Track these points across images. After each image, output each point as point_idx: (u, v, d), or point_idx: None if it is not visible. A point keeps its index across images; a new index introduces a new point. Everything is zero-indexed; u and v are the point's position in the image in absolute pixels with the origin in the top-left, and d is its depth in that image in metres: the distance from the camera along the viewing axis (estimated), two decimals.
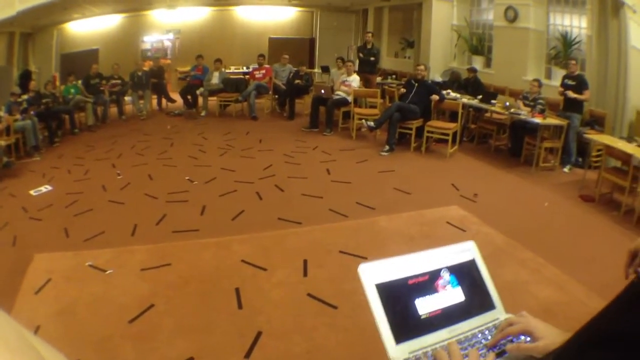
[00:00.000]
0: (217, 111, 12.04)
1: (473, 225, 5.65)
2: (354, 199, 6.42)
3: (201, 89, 11.97)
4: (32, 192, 6.82)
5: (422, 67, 9.16)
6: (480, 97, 9.07)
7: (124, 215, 6.06)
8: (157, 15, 15.27)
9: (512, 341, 1.04)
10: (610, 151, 6.51)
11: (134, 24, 14.97)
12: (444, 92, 9.19)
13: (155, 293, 4.31)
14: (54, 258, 4.97)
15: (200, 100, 12.11)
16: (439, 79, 11.69)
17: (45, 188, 6.96)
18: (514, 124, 8.32)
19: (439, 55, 12.97)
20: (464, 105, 8.83)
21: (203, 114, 11.93)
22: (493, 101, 8.73)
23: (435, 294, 1.08)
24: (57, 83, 11.75)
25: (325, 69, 14.14)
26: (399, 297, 1.05)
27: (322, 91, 10.43)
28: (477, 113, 9.65)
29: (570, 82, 7.82)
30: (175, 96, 12.63)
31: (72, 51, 13.72)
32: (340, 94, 10.12)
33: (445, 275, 1.11)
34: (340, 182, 7.14)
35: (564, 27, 9.72)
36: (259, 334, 3.72)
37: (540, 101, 7.93)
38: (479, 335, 1.08)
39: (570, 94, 7.68)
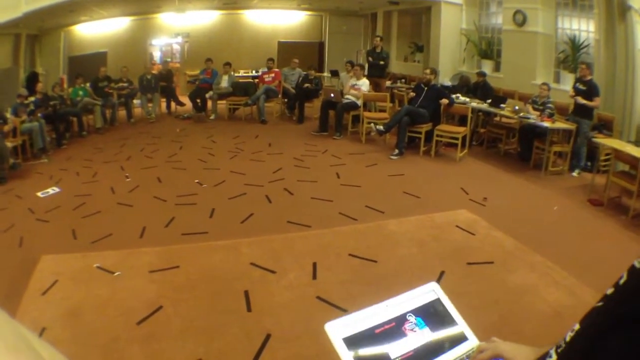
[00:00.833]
0: (226, 115, 12.04)
1: (482, 229, 5.59)
2: (363, 202, 6.37)
3: (210, 93, 11.95)
4: (39, 193, 6.78)
5: (428, 70, 9.14)
6: (489, 101, 9.02)
7: (133, 217, 6.02)
8: (166, 19, 15.30)
9: None
10: (619, 155, 6.47)
11: (143, 27, 15.01)
12: (453, 96, 9.13)
13: (163, 295, 4.25)
14: (61, 259, 4.92)
15: (210, 103, 12.10)
16: (448, 83, 11.61)
17: (52, 190, 6.92)
18: (523, 127, 8.24)
19: (448, 59, 12.90)
20: (473, 110, 8.78)
21: (212, 117, 11.90)
22: (502, 105, 8.66)
23: (404, 338, 1.12)
24: (65, 85, 11.76)
25: (335, 73, 14.10)
26: (369, 346, 1.09)
27: (332, 95, 10.37)
28: (486, 117, 9.60)
29: (581, 87, 7.71)
30: (184, 100, 12.60)
31: (80, 54, 13.74)
32: (349, 97, 10.05)
33: (411, 319, 1.16)
34: (349, 186, 7.08)
35: (572, 30, 9.64)
36: (268, 336, 3.66)
37: (550, 105, 7.88)
38: None
39: (580, 100, 7.59)
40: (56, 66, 12.98)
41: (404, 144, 8.64)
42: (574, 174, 7.62)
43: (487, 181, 7.38)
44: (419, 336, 1.13)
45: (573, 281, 4.41)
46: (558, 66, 10.06)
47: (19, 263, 4.84)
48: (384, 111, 10.12)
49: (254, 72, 14.70)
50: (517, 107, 8.22)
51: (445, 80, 12.02)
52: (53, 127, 9.38)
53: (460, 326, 1.20)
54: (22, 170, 7.81)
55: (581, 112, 7.68)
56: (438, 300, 1.22)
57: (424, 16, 14.20)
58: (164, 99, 12.71)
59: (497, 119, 9.28)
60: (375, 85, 11.02)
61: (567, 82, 8.66)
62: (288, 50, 15.28)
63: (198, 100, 12.07)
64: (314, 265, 4.74)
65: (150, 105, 12.01)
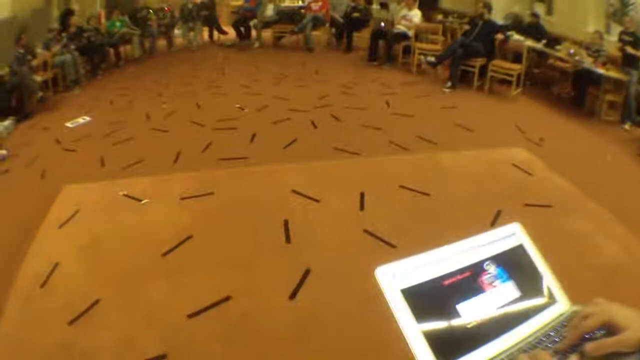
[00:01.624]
0: (272, 43, 11.56)
1: (539, 170, 5.07)
2: (415, 133, 5.88)
3: (255, 21, 11.46)
4: (68, 124, 6.42)
5: (481, 4, 8.69)
6: (544, 42, 8.66)
7: (167, 143, 5.64)
8: None
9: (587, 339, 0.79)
10: None
11: None
12: (508, 33, 8.77)
13: (194, 224, 3.87)
14: (85, 189, 4.58)
15: (254, 32, 11.61)
16: (500, 22, 10.93)
17: (82, 119, 6.55)
18: (577, 72, 7.86)
19: None
20: (528, 49, 8.38)
21: (256, 45, 11.40)
22: (557, 47, 8.36)
23: (482, 294, 0.86)
24: (103, 20, 11.34)
25: (384, 5, 13.36)
26: (434, 303, 0.82)
27: (382, 24, 9.90)
28: (540, 58, 9.24)
29: (627, 38, 7.48)
30: (228, 29, 12.11)
31: None
32: (401, 28, 9.58)
33: (491, 269, 0.89)
34: (400, 115, 6.58)
35: None
36: (307, 272, 3.22)
37: (603, 53, 7.61)
38: (544, 339, 0.83)
39: (629, 50, 7.32)
40: (93, 1, 12.54)
41: (457, 77, 8.25)
42: (626, 126, 7.17)
43: (541, 122, 6.86)
44: (501, 293, 0.86)
45: (627, 235, 3.92)
46: (608, 18, 9.50)
47: (38, 196, 4.49)
48: (435, 44, 9.57)
49: (300, 2, 14.03)
50: (572, 51, 7.90)
51: (497, 19, 11.31)
52: (88, 59, 9.05)
53: (549, 283, 0.93)
54: (51, 102, 7.48)
55: (629, 63, 7.33)
56: (521, 247, 0.94)
57: None
58: (207, 28, 12.29)
59: (551, 61, 8.88)
60: (426, 18, 10.48)
61: (617, 34, 8.28)
62: None
63: (242, 29, 11.60)
64: (362, 195, 4.28)
65: (191, 34, 11.61)
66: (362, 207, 4.11)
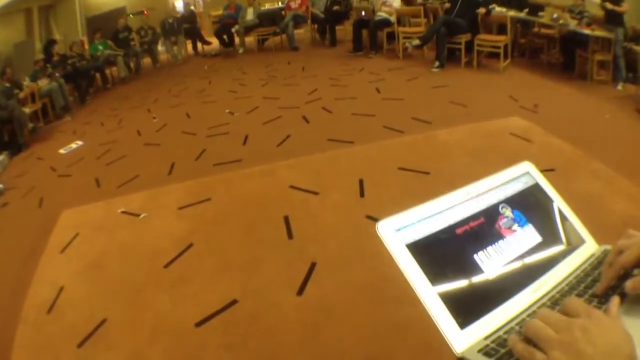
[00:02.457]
0: (256, 47, 11.45)
1: (538, 135, 5.01)
2: (408, 114, 5.81)
3: (236, 27, 11.38)
4: (61, 150, 6.42)
5: None
6: (526, 10, 8.58)
7: (161, 156, 5.60)
8: None
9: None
10: None
11: None
12: (490, 7, 8.63)
13: (194, 231, 3.83)
14: (83, 211, 4.54)
15: (237, 38, 11.56)
16: None
17: (75, 144, 6.54)
18: (563, 36, 7.85)
19: None
20: (512, 19, 8.34)
21: (241, 51, 11.34)
22: (540, 13, 8.23)
23: (501, 241, 0.78)
24: (86, 46, 11.35)
25: None
26: (447, 256, 0.73)
27: (363, 13, 9.78)
28: (525, 28, 9.18)
29: None
30: (211, 39, 12.09)
31: (97, 13, 13.28)
32: (382, 14, 9.50)
33: (506, 212, 0.82)
34: (392, 99, 6.51)
35: None
36: (313, 265, 3.16)
37: (586, 14, 7.59)
38: (578, 285, 0.76)
39: (608, 5, 7.22)
40: (74, 30, 12.55)
41: (444, 56, 8.16)
42: (619, 87, 7.14)
43: (534, 89, 6.80)
44: (521, 237, 0.79)
45: (635, 190, 3.87)
46: None
47: (38, 224, 4.47)
48: (419, 26, 9.48)
49: (280, 3, 13.97)
50: (555, 15, 7.79)
51: None
52: (75, 85, 9.06)
53: (573, 223, 0.86)
54: (43, 132, 7.52)
55: (612, 20, 7.26)
56: (537, 187, 0.88)
57: None
58: (190, 41, 12.27)
59: (536, 29, 8.83)
60: (407, 1, 10.34)
61: None
62: None
63: (225, 37, 11.56)
64: (361, 182, 4.21)
65: (175, 48, 11.62)
66: (362, 194, 4.04)
